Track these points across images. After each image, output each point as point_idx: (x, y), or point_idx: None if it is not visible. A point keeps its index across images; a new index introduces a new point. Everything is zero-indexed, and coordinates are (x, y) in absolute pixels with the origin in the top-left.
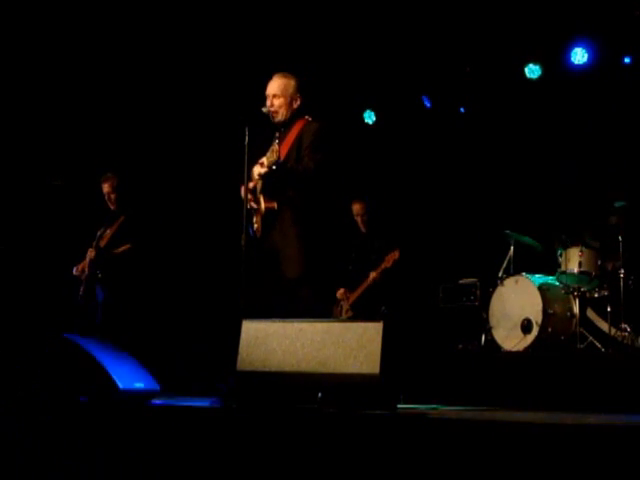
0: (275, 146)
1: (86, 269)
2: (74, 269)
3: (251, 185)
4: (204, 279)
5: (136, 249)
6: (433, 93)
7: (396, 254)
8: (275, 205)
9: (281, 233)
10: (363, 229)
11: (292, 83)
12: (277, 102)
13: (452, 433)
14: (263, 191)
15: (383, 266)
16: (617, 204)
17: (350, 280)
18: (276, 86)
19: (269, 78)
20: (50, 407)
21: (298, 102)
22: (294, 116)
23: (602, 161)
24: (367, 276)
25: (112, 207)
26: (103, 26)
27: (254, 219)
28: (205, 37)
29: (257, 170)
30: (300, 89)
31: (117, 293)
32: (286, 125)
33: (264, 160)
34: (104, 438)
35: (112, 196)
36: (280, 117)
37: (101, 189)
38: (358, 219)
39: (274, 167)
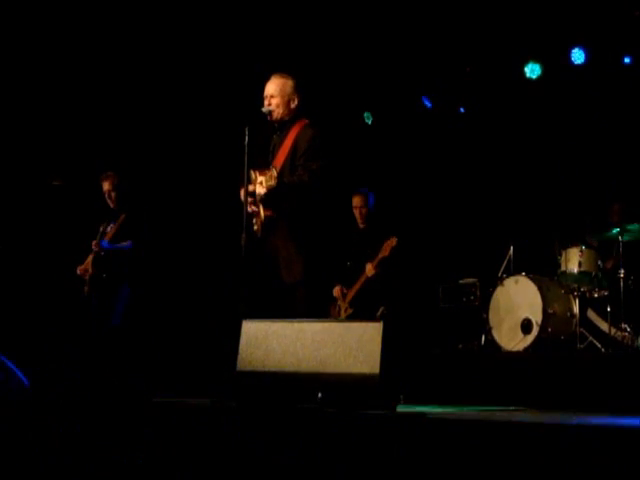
0: (273, 172)
1: (89, 268)
2: (78, 269)
3: (251, 188)
4: (204, 279)
5: (137, 247)
6: (433, 93)
7: (393, 241)
8: (274, 214)
9: (280, 239)
10: (361, 223)
11: (289, 83)
12: (274, 102)
13: (452, 433)
14: (262, 202)
15: (380, 255)
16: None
17: (348, 276)
18: (273, 86)
19: (269, 78)
20: (50, 406)
21: (296, 102)
22: (292, 117)
23: (602, 161)
24: (364, 270)
25: (112, 205)
26: (103, 26)
27: (254, 220)
28: (205, 37)
29: (257, 190)
30: (298, 89)
31: (119, 292)
32: (284, 126)
33: (263, 181)
34: (106, 437)
35: (112, 194)
36: (277, 116)
37: (101, 187)
38: (356, 212)
39: (272, 191)
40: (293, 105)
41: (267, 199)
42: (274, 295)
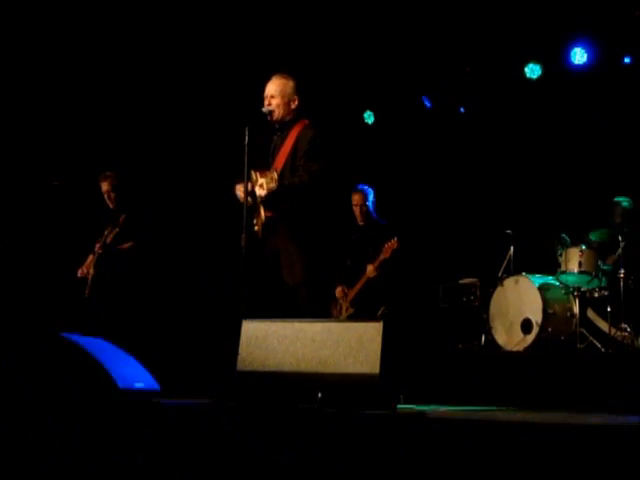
0: (274, 174)
1: (91, 269)
2: (79, 271)
3: (250, 187)
4: (204, 280)
5: (139, 247)
6: (433, 93)
7: (394, 243)
8: (275, 215)
9: (280, 240)
10: (360, 220)
11: (290, 84)
12: (274, 102)
13: (452, 433)
14: (263, 203)
15: (381, 257)
16: (620, 201)
17: (349, 276)
18: (274, 87)
19: (269, 79)
20: (49, 407)
21: (296, 103)
22: (293, 117)
23: (602, 161)
24: (365, 269)
25: (112, 206)
26: (103, 26)
27: (254, 221)
28: (205, 37)
29: (258, 191)
30: (298, 90)
31: (120, 293)
32: (284, 127)
33: (263, 183)
34: (106, 437)
35: (111, 195)
36: (277, 117)
37: (100, 188)
38: (356, 209)
39: (272, 193)
40: (293, 106)
41: (268, 201)
42: (275, 296)
